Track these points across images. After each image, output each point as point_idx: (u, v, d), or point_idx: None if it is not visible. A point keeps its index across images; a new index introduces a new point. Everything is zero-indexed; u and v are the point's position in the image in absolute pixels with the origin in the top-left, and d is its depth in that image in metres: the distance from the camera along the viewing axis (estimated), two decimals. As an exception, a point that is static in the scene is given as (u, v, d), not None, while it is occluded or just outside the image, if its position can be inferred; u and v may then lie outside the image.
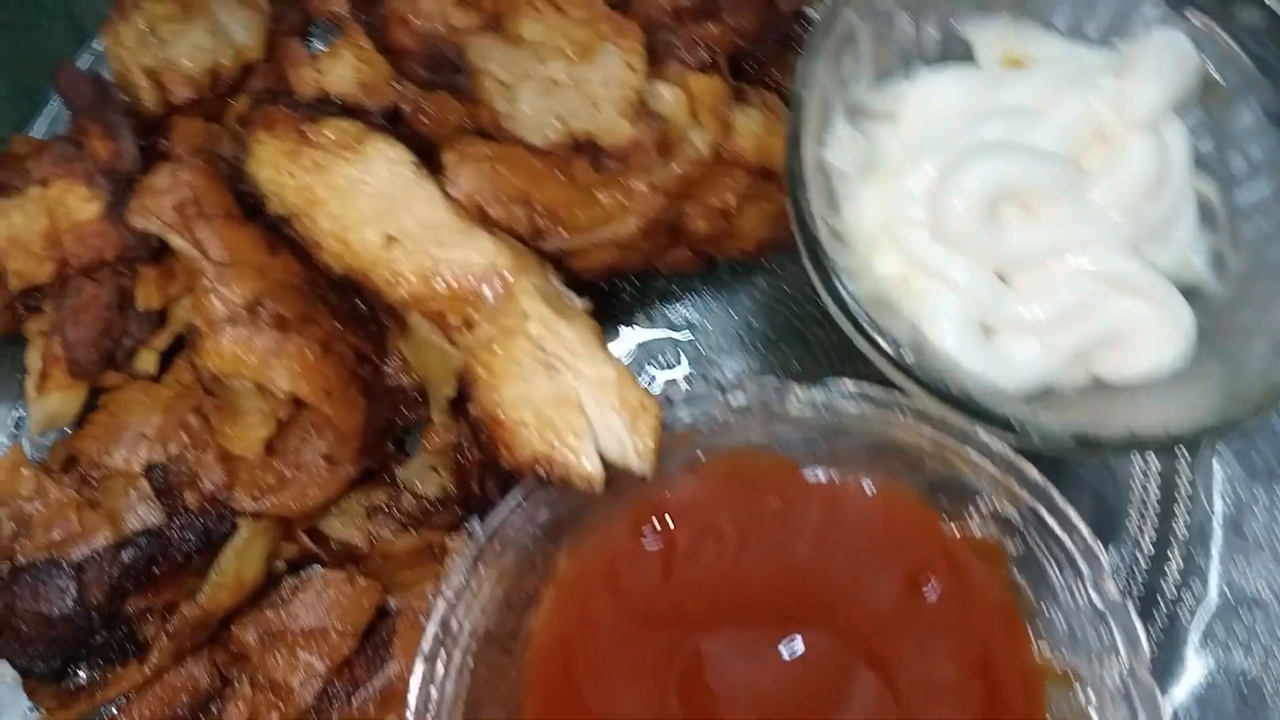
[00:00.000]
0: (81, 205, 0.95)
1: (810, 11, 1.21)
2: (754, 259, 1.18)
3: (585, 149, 0.98)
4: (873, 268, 1.06)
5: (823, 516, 0.96)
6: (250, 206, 0.98)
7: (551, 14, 0.97)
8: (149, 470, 0.97)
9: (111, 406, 0.98)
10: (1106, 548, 1.11)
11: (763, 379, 0.97)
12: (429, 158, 1.04)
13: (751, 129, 1.06)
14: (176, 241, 0.93)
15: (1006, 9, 1.12)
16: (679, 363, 1.20)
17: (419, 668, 0.91)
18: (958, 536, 0.96)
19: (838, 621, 0.93)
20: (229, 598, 0.95)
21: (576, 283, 1.09)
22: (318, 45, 1.21)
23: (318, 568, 1.02)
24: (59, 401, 0.97)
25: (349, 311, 0.99)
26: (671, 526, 0.95)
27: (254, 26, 1.10)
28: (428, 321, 0.95)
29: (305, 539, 1.00)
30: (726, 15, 1.11)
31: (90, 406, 0.99)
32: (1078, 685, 0.91)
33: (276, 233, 0.97)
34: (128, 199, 0.93)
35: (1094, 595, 0.90)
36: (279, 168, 0.96)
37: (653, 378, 1.19)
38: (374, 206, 0.95)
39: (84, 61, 1.19)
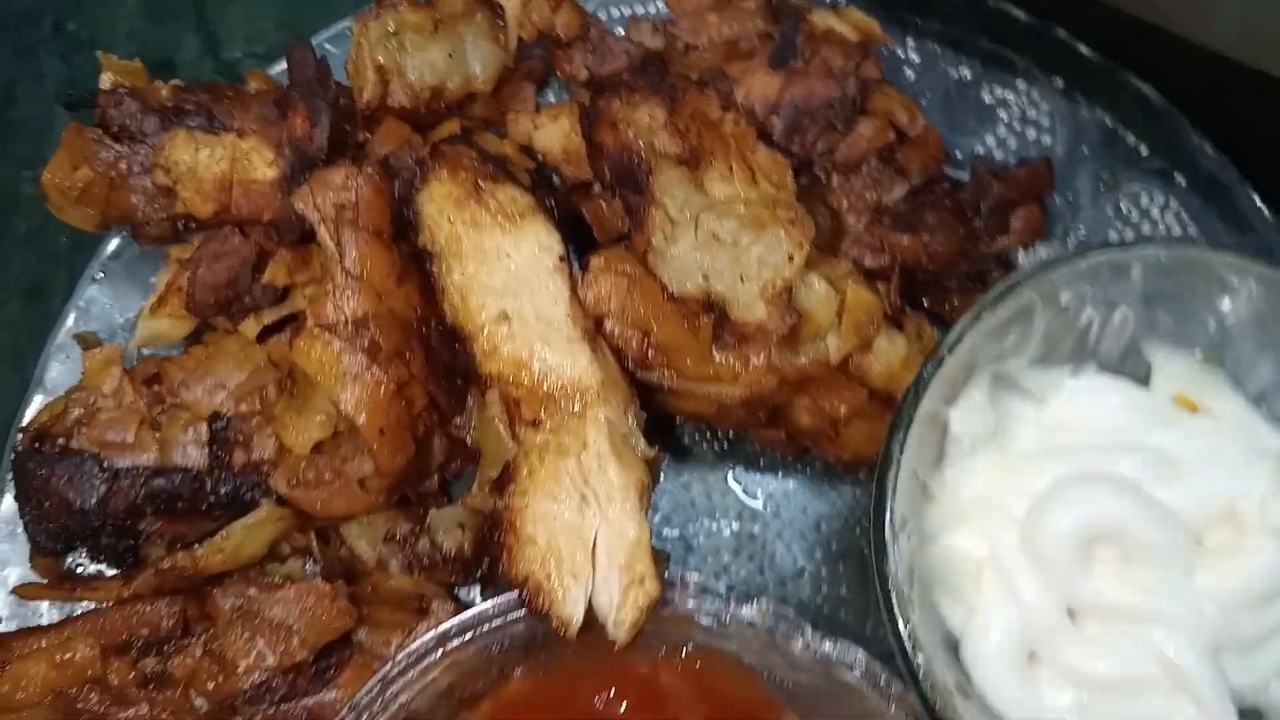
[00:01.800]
0: (261, 166, 1.02)
1: (1017, 258, 1.17)
2: (849, 469, 1.14)
3: (713, 311, 0.97)
4: (952, 538, 1.01)
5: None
6: (406, 227, 1.02)
7: (743, 180, 0.97)
8: (214, 417, 1.02)
9: (210, 348, 1.04)
10: None
11: (780, 607, 0.93)
12: (587, 246, 1.06)
13: (890, 356, 1.02)
14: (324, 235, 0.98)
15: (1203, 350, 1.04)
16: (733, 529, 1.17)
17: (348, 715, 0.93)
18: None
19: None
20: (221, 563, 1.00)
21: (667, 417, 1.10)
22: (551, 97, 1.25)
23: (314, 568, 1.06)
24: (166, 325, 1.04)
25: (444, 359, 1.02)
26: (626, 701, 0.93)
27: (491, 62, 1.14)
28: (502, 403, 0.96)
29: (313, 539, 1.04)
30: (925, 232, 1.09)
31: (193, 340, 1.06)
32: None
33: (416, 262, 1.01)
34: (302, 179, 0.99)
35: None
36: (443, 209, 1.00)
37: (706, 534, 1.17)
38: (504, 280, 0.98)
39: (329, 32, 1.26)
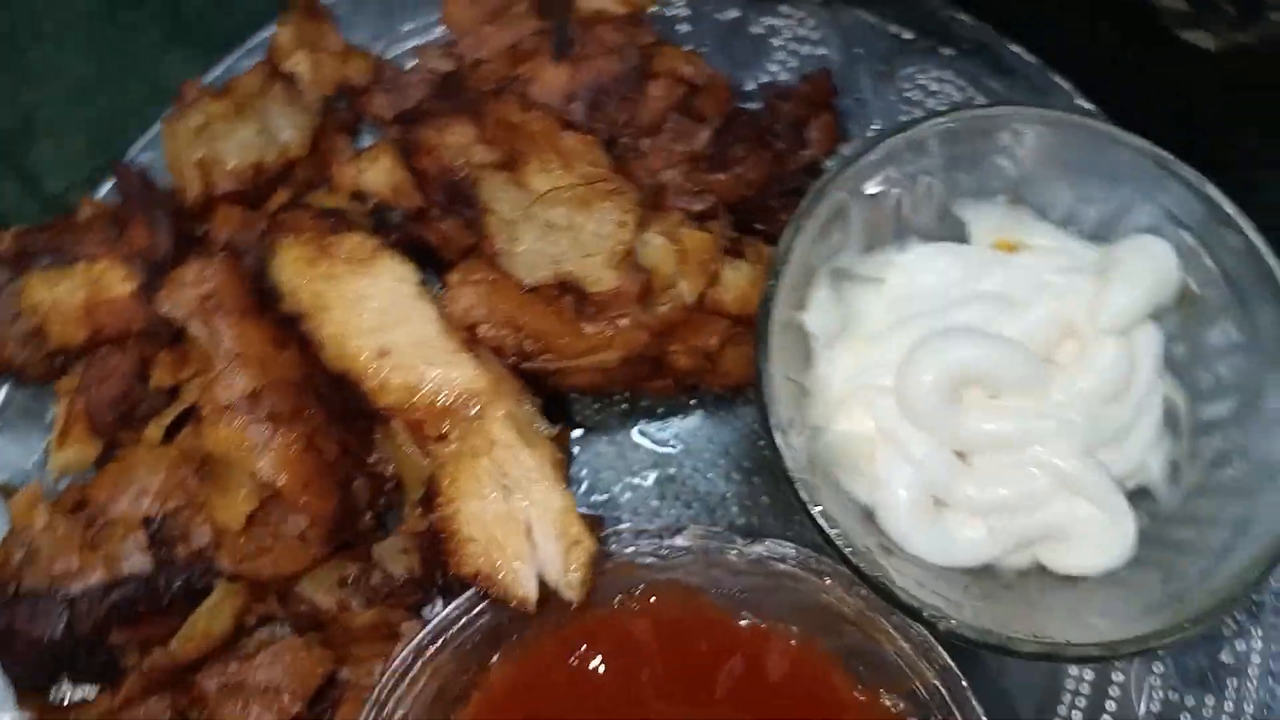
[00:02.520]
0: (118, 283, 1.07)
1: (826, 164, 1.28)
2: (736, 392, 1.24)
3: (571, 291, 1.06)
4: (838, 424, 1.12)
5: (744, 666, 1.01)
6: (268, 298, 1.08)
7: (559, 167, 1.05)
8: (147, 522, 1.07)
9: (123, 461, 1.09)
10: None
11: (708, 529, 1.03)
12: (441, 267, 1.14)
13: (738, 282, 1.12)
14: (195, 329, 1.04)
15: (1004, 195, 1.16)
16: (654, 478, 1.26)
17: (353, 744, 0.99)
18: (868, 706, 1.01)
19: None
20: (195, 648, 1.05)
21: (561, 396, 1.18)
22: (367, 140, 1.31)
23: (283, 629, 1.12)
24: (76, 453, 1.09)
25: (342, 406, 1.08)
26: (599, 653, 1.02)
27: (301, 126, 1.20)
28: (406, 429, 1.04)
29: (275, 603, 1.10)
30: (736, 166, 1.19)
31: (105, 459, 1.10)
32: None
33: (288, 327, 1.07)
34: (159, 285, 1.04)
35: (983, 785, 0.94)
36: (298, 272, 1.06)
37: (630, 490, 1.26)
38: (374, 319, 1.04)
39: (143, 142, 1.31)
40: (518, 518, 0.99)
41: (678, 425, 1.27)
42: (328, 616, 1.13)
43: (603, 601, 1.04)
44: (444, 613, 1.02)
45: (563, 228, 1.04)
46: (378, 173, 1.19)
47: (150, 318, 1.07)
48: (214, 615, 1.06)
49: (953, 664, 0.97)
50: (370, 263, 1.06)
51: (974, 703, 0.96)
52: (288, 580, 1.11)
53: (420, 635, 1.02)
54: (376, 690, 1.01)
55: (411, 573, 1.14)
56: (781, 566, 1.01)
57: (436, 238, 1.14)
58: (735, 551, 1.02)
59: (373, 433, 1.11)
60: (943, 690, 0.97)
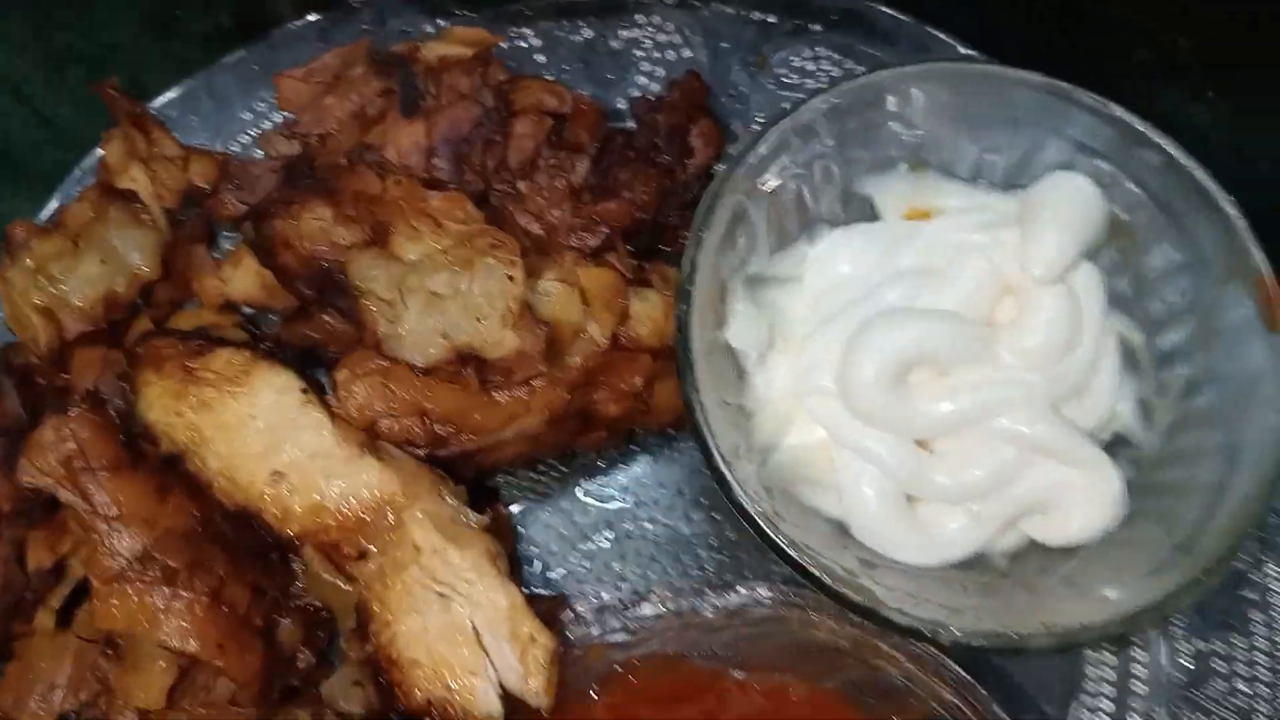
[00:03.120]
0: (-31, 467, 0.95)
1: (716, 169, 1.21)
2: (677, 428, 1.15)
3: (471, 361, 0.96)
4: (788, 439, 1.04)
5: (746, 727, 0.92)
6: (141, 443, 0.97)
7: (429, 231, 0.96)
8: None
9: (22, 660, 0.97)
10: (1064, 709, 1.06)
11: (674, 588, 0.94)
12: (333, 366, 1.03)
13: (650, 313, 1.04)
14: (65, 496, 0.92)
15: (905, 162, 1.09)
16: (610, 539, 1.16)
17: None
18: (886, 739, 0.92)
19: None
20: None
21: (487, 475, 1.08)
22: (227, 244, 1.21)
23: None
24: (-34, 660, 0.97)
25: (249, 541, 0.97)
26: (587, 752, 0.92)
27: (148, 246, 1.09)
28: (320, 555, 0.93)
29: (226, 778, 0.98)
30: (624, 190, 1.10)
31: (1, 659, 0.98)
32: None
33: (169, 471, 0.96)
34: (17, 455, 0.93)
35: (1028, 800, 0.86)
36: (167, 408, 0.96)
37: (587, 556, 1.16)
38: (261, 441, 0.94)
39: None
40: (464, 626, 0.89)
41: (622, 477, 1.18)
42: (289, 779, 1.02)
43: (580, 696, 0.94)
44: (407, 747, 0.92)
45: (447, 295, 0.95)
46: (243, 277, 1.09)
47: (16, 495, 0.96)
48: (159, 805, 0.94)
49: (966, 675, 0.89)
50: (245, 379, 0.95)
51: (995, 708, 0.88)
52: (232, 748, 0.99)
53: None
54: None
55: (369, 706, 1.03)
56: (762, 611, 0.92)
57: (323, 334, 1.04)
58: (709, 607, 0.93)
59: (290, 562, 1.00)
60: (960, 705, 0.88)
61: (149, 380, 0.96)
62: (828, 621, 0.91)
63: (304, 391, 0.96)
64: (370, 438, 0.95)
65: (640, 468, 1.18)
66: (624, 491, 1.17)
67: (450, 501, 0.95)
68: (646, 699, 0.94)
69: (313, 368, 1.05)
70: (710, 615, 0.93)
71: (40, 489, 0.93)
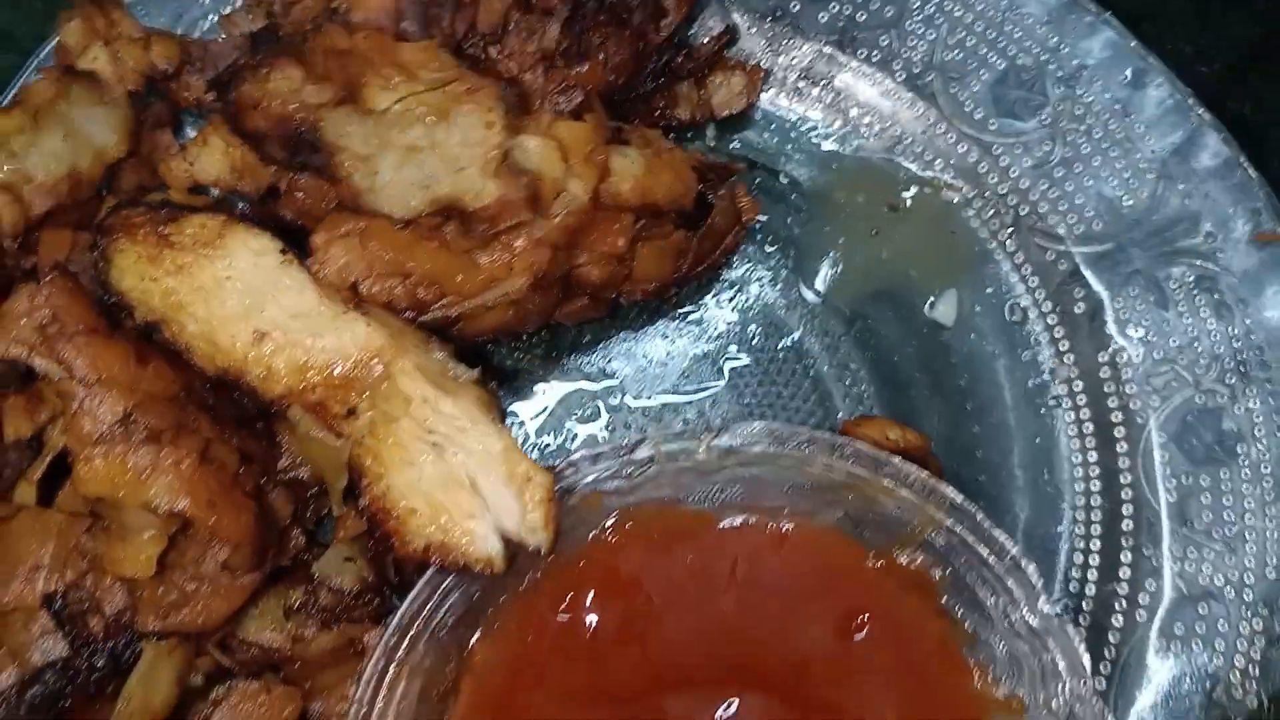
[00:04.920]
0: (-59, 344, 0.92)
1: (689, 38, 1.19)
2: (658, 296, 1.14)
3: (453, 214, 0.94)
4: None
5: (744, 568, 0.92)
6: (119, 316, 0.94)
7: (402, 81, 0.94)
8: (48, 600, 0.93)
9: (4, 539, 0.94)
10: (1053, 550, 1.07)
11: (668, 431, 0.93)
12: (306, 241, 1.01)
13: (631, 170, 1.02)
14: (41, 364, 0.90)
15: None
16: (599, 415, 1.16)
17: (342, 774, 0.87)
18: (884, 571, 0.92)
19: (772, 678, 0.89)
20: (140, 726, 0.92)
21: (474, 347, 1.06)
22: (191, 132, 1.18)
23: (239, 680, 0.99)
24: (-58, 542, 0.94)
25: (232, 412, 0.95)
26: (588, 598, 0.91)
27: (114, 123, 1.06)
28: (309, 414, 0.91)
29: (216, 652, 0.96)
30: (597, 53, 1.08)
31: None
32: (1024, 713, 0.87)
33: (147, 340, 0.94)
34: (-13, 328, 0.90)
35: (1029, 617, 0.86)
36: (141, 274, 0.93)
37: (574, 434, 1.15)
38: (240, 303, 0.92)
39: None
40: (457, 474, 0.88)
41: (611, 350, 1.17)
42: (281, 654, 1.00)
43: (576, 543, 0.93)
44: (405, 606, 0.91)
45: (425, 147, 0.93)
46: (211, 158, 1.06)
47: (-11, 369, 0.93)
48: (149, 684, 0.93)
49: (961, 499, 0.89)
50: (221, 242, 0.93)
51: (995, 533, 0.88)
52: (225, 625, 0.97)
53: (385, 637, 0.90)
54: (353, 710, 0.89)
55: (363, 581, 1.02)
56: (755, 450, 0.92)
57: (294, 211, 1.02)
58: (703, 448, 0.92)
59: (276, 435, 0.99)
60: (958, 531, 0.89)
61: (121, 248, 0.93)
62: (820, 456, 0.91)
63: (283, 252, 0.94)
64: (352, 300, 0.93)
65: (625, 339, 1.17)
66: (611, 364, 1.16)
67: (438, 355, 0.94)
68: (644, 544, 0.93)
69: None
70: (703, 457, 0.92)
71: (15, 359, 0.90)
